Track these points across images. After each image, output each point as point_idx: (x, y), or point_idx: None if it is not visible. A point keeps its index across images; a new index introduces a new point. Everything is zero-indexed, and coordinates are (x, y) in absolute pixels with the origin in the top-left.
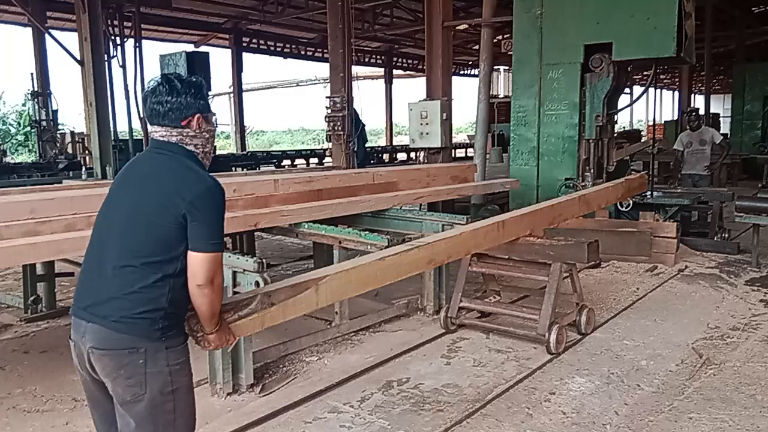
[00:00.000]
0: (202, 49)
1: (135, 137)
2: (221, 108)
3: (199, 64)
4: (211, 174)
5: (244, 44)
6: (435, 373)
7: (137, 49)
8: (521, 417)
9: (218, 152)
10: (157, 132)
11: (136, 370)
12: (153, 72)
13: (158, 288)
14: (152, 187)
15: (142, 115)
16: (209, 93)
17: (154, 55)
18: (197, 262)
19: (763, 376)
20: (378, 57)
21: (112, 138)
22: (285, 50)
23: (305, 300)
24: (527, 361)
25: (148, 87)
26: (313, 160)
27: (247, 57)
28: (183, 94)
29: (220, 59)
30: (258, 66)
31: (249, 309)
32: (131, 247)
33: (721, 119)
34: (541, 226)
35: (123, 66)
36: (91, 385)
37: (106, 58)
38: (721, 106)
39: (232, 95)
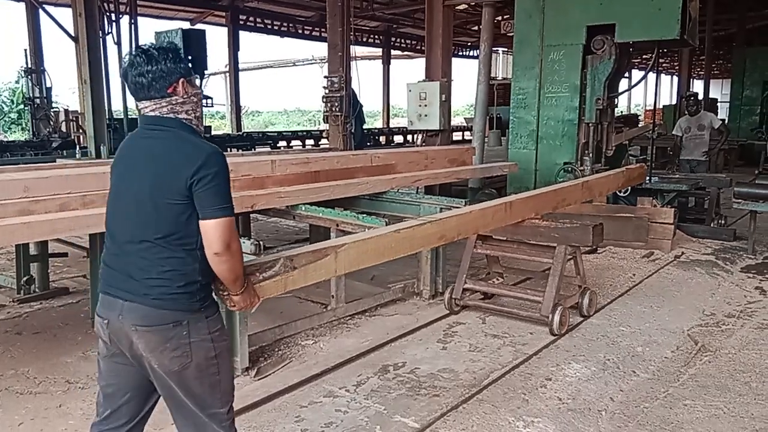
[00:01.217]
0: (199, 26)
1: (130, 116)
2: (217, 87)
3: (195, 41)
4: (207, 142)
5: (241, 22)
6: (431, 358)
7: (132, 25)
8: (517, 403)
9: (213, 132)
10: (147, 107)
11: (181, 341)
12: (148, 41)
13: (188, 263)
14: (154, 166)
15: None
16: (205, 72)
17: (149, 32)
18: (210, 229)
19: (757, 364)
20: (376, 37)
21: (107, 117)
22: (282, 29)
23: (325, 266)
24: (523, 346)
25: (125, 62)
26: (310, 142)
27: (243, 35)
28: (162, 60)
29: (216, 37)
30: (255, 45)
31: (272, 271)
32: (151, 227)
33: (719, 104)
34: (545, 209)
35: (118, 43)
36: (119, 360)
37: (100, 35)
38: (719, 91)
39: (228, 74)
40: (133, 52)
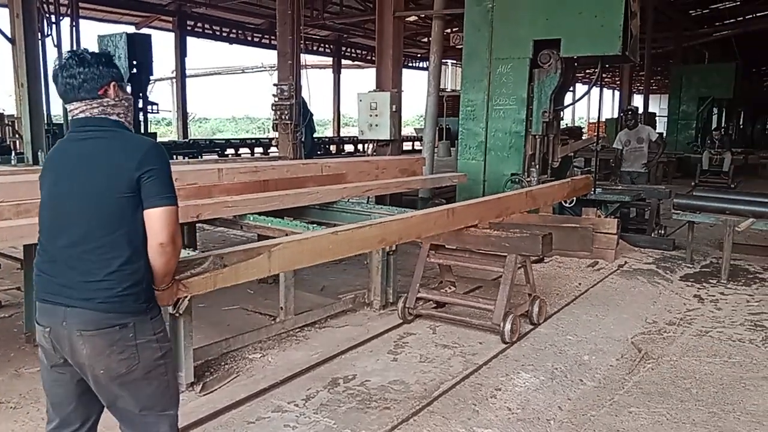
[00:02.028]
0: (144, 31)
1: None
2: (163, 93)
3: (140, 46)
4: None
5: (189, 28)
6: (382, 370)
7: (74, 28)
8: (468, 414)
9: (159, 139)
10: (77, 108)
11: (128, 344)
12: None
13: (134, 260)
14: (96, 163)
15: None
16: (150, 77)
17: (92, 37)
18: (156, 218)
19: (697, 370)
20: (326, 46)
21: (45, 121)
22: (231, 35)
23: (257, 265)
24: (473, 356)
25: (57, 65)
26: (258, 150)
27: (191, 41)
28: (94, 64)
29: (162, 42)
30: (202, 51)
31: (202, 268)
32: (95, 227)
33: (657, 119)
34: (489, 217)
35: (58, 46)
36: (60, 369)
37: (39, 37)
38: (658, 105)
39: (174, 80)
40: (67, 55)
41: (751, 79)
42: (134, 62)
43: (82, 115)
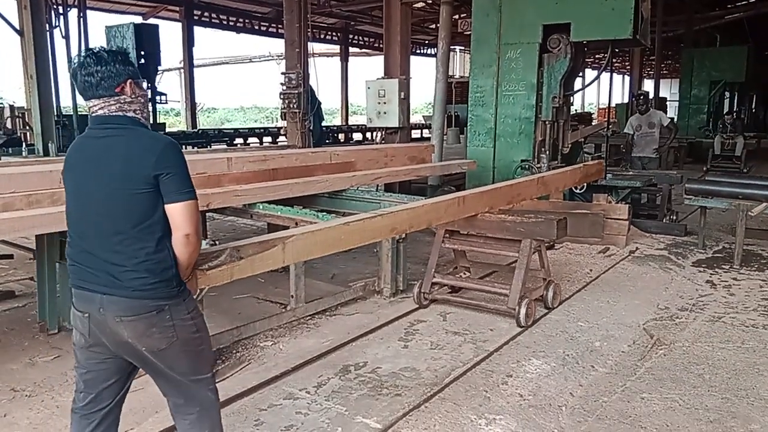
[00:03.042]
0: (151, 21)
1: (80, 112)
2: (171, 84)
3: (147, 37)
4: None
5: (196, 17)
6: (392, 357)
7: (81, 19)
8: (479, 400)
9: (168, 129)
10: (96, 105)
11: (165, 324)
12: (98, 44)
13: (159, 250)
14: (114, 160)
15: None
16: (158, 68)
17: (100, 27)
18: (179, 212)
19: (710, 356)
20: (334, 34)
21: (55, 113)
22: (238, 25)
23: (272, 256)
24: (484, 343)
25: (75, 64)
26: (267, 139)
27: (198, 31)
28: (111, 62)
29: (170, 33)
30: (210, 41)
31: (219, 261)
32: (119, 220)
33: (668, 103)
34: (500, 204)
35: (66, 37)
36: (97, 349)
37: (47, 29)
38: (668, 90)
39: (182, 71)
40: (83, 54)
41: (764, 62)
42: (142, 53)
43: (101, 112)
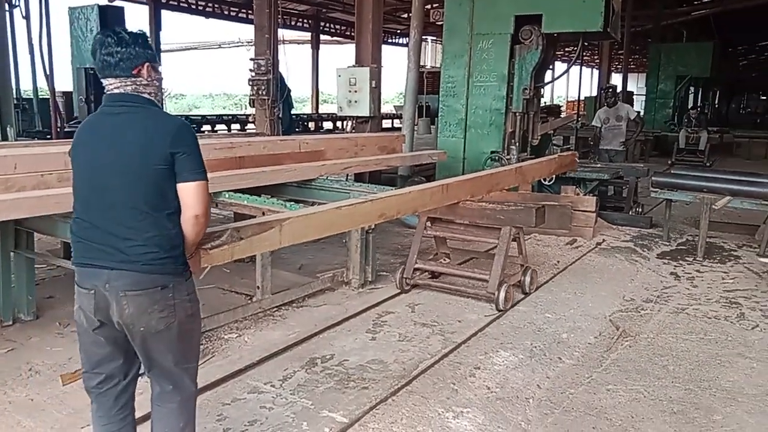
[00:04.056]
0: (117, 3)
1: (41, 96)
2: None
3: (112, 20)
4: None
5: (164, 1)
6: (360, 349)
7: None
8: (447, 393)
9: None
10: (112, 84)
11: (167, 303)
12: (60, 26)
13: (169, 227)
14: (131, 136)
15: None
16: None
17: (62, 8)
18: (191, 192)
19: (674, 347)
20: (305, 21)
21: (14, 97)
22: (207, 9)
23: (270, 237)
24: (452, 335)
25: (96, 40)
26: (235, 126)
27: (166, 15)
28: (132, 44)
29: (136, 16)
30: (178, 25)
31: (220, 241)
32: (132, 195)
33: (635, 97)
34: (481, 192)
35: (26, 17)
36: (100, 331)
37: (7, 8)
38: (636, 84)
39: None
40: (106, 32)
41: (728, 58)
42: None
43: (116, 91)
